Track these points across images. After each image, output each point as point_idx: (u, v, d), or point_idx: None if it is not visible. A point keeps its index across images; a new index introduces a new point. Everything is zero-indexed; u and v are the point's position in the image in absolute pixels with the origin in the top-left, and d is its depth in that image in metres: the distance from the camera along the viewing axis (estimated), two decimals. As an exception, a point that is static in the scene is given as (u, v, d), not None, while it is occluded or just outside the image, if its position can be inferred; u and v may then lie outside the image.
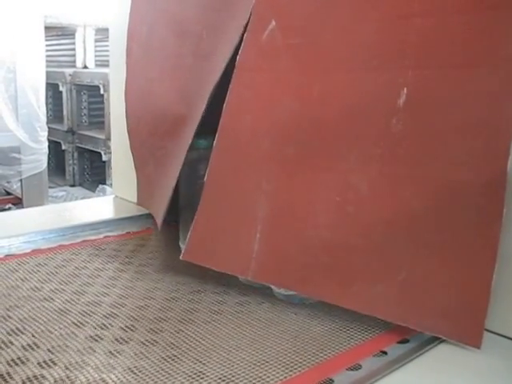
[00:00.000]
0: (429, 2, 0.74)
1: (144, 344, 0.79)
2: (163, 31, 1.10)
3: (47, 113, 3.03)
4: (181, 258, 0.93)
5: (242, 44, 0.87)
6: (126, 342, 0.80)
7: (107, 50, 3.94)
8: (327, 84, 0.82)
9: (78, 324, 0.85)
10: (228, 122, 0.89)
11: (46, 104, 3.01)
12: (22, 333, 0.82)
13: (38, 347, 0.78)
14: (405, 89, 0.75)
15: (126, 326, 0.84)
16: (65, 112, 3.57)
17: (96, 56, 3.74)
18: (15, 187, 3.05)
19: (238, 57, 0.88)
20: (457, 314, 0.74)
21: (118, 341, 0.80)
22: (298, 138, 0.85)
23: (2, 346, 0.78)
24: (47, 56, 3.02)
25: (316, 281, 0.83)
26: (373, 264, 0.80)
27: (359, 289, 0.80)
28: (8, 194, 3.05)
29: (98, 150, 3.32)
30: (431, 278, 0.76)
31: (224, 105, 0.89)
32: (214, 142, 0.90)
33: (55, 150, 3.59)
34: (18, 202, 2.97)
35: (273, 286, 0.91)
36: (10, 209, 2.95)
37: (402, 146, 0.76)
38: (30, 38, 2.85)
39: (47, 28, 3.07)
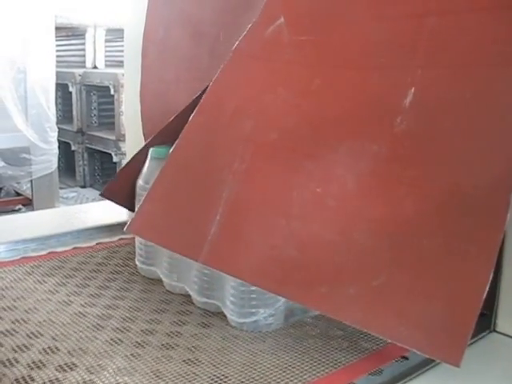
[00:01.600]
0: (442, 1, 0.73)
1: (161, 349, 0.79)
2: (179, 32, 1.10)
3: (57, 113, 3.03)
4: (124, 229, 0.88)
5: (245, 32, 0.85)
6: (143, 346, 0.80)
7: (117, 51, 3.94)
8: (329, 79, 0.80)
9: (97, 327, 0.85)
10: (210, 99, 0.86)
11: (56, 104, 3.01)
12: (42, 335, 0.82)
13: (58, 350, 0.78)
14: (412, 88, 0.73)
15: (142, 330, 0.84)
16: (74, 112, 3.57)
17: (106, 56, 3.74)
18: (25, 188, 3.06)
19: (236, 42, 0.86)
20: (437, 327, 0.66)
21: (136, 346, 0.80)
22: (286, 126, 0.81)
23: (23, 348, 0.78)
24: (57, 56, 3.02)
25: (278, 275, 0.76)
26: (347, 264, 0.72)
27: (328, 290, 0.72)
28: (18, 194, 3.06)
29: (109, 151, 3.32)
30: (412, 286, 0.68)
31: (211, 83, 0.86)
32: (191, 116, 0.87)
33: (65, 150, 3.59)
34: (28, 203, 2.97)
35: (226, 312, 0.86)
36: (19, 210, 2.96)
37: (402, 146, 0.73)
38: (40, 39, 2.85)
39: (57, 28, 3.07)
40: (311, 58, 0.82)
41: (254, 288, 0.82)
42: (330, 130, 0.78)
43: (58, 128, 2.95)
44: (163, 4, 1.14)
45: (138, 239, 1.03)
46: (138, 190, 1.02)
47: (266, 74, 0.85)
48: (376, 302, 0.69)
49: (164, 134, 1.06)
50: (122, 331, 0.83)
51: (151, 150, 1.00)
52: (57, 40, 3.03)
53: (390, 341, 0.70)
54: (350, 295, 0.71)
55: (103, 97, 3.52)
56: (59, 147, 2.97)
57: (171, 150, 0.88)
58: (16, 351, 0.77)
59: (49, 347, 0.78)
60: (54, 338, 0.81)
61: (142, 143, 1.27)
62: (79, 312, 0.89)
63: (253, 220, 0.79)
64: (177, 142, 0.87)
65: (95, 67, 3.70)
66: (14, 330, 0.83)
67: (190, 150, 0.88)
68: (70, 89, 3.54)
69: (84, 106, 3.56)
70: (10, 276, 1.02)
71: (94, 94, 3.59)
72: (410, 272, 0.69)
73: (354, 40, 0.80)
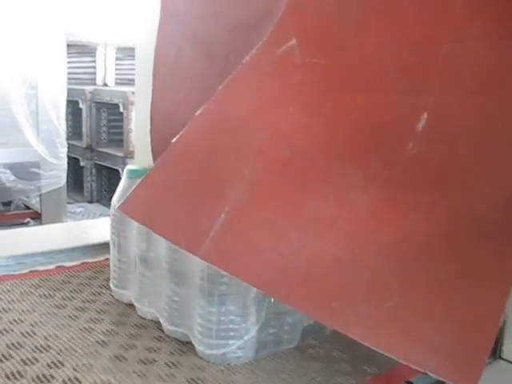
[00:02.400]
0: (455, 27, 0.74)
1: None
2: (191, 53, 1.11)
3: (67, 129, 3.05)
4: (116, 207, 0.89)
5: (254, 50, 0.86)
6: (151, 363, 0.80)
7: (127, 69, 3.97)
8: (340, 102, 0.81)
9: (102, 343, 0.85)
10: (216, 102, 0.87)
11: (66, 121, 3.04)
12: (47, 350, 0.82)
13: (63, 365, 0.78)
14: (425, 113, 0.73)
15: (150, 347, 0.85)
16: (84, 129, 3.60)
17: (116, 74, 3.78)
18: (34, 202, 3.07)
19: (245, 58, 0.86)
20: (453, 350, 0.65)
21: (143, 362, 0.80)
22: (298, 145, 0.81)
23: (28, 362, 0.79)
24: (68, 73, 3.06)
25: (286, 284, 0.75)
26: (358, 283, 0.71)
27: (338, 305, 0.71)
28: (27, 208, 3.07)
29: (116, 168, 3.34)
30: (426, 309, 0.68)
31: (218, 88, 0.87)
32: (196, 113, 0.87)
33: (74, 166, 3.62)
34: (36, 217, 2.99)
35: (195, 343, 0.84)
36: (28, 223, 2.97)
37: (414, 171, 0.73)
38: (51, 55, 2.88)
39: (68, 45, 3.11)
40: (323, 81, 0.83)
41: (222, 318, 0.81)
42: (341, 153, 0.79)
43: (68, 144, 2.97)
44: (175, 24, 1.16)
45: (112, 261, 1.02)
46: (111, 210, 1.01)
47: (277, 91, 0.85)
48: (388, 323, 0.69)
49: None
50: (126, 348, 0.84)
51: (127, 168, 1.00)
52: (68, 57, 3.06)
53: (402, 362, 0.68)
54: (361, 313, 0.70)
55: (112, 114, 3.55)
56: (68, 163, 2.99)
57: (178, 135, 0.86)
58: (26, 364, 0.78)
59: (53, 362, 0.79)
60: (58, 354, 0.82)
61: (151, 161, 1.28)
62: (84, 328, 0.90)
63: (263, 226, 0.79)
64: (180, 134, 0.86)
65: (105, 85, 3.74)
66: (20, 345, 0.84)
67: (194, 145, 0.87)
68: (81, 105, 3.57)
69: (93, 122, 3.59)
70: (18, 289, 1.03)
71: (103, 111, 3.62)
72: (424, 295, 0.69)
73: (366, 64, 0.80)
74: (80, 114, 3.61)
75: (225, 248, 0.78)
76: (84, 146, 3.61)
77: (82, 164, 3.65)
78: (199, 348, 0.83)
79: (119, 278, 1.01)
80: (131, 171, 0.99)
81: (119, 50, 3.73)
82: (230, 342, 0.82)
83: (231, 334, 0.82)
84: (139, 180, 0.87)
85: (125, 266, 0.99)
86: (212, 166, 0.85)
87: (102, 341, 0.86)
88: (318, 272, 0.75)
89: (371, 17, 0.81)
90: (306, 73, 0.84)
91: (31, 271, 1.12)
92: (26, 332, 0.87)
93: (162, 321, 0.90)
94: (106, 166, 3.56)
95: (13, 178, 2.73)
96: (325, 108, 0.81)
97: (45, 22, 2.84)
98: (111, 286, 1.03)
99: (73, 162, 3.50)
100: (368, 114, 0.78)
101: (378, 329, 0.70)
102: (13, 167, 2.73)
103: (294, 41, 0.84)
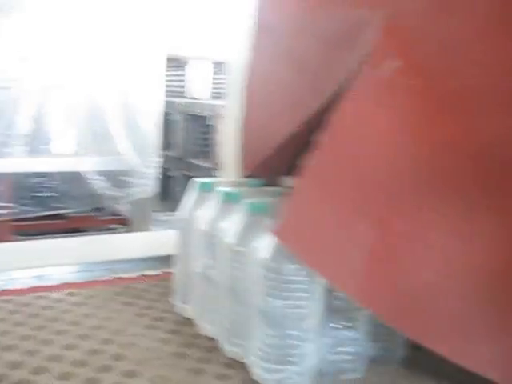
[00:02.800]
0: None
1: None
2: (283, 67, 1.10)
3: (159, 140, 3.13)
4: (271, 233, 0.82)
5: (358, 75, 0.84)
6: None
7: (219, 83, 4.03)
8: (451, 128, 0.78)
9: (178, 355, 0.85)
10: (339, 131, 0.84)
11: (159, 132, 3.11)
12: (123, 359, 0.83)
13: (140, 375, 0.78)
14: None
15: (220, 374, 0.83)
16: (175, 140, 3.68)
17: (214, 88, 3.85)
18: (123, 209, 3.16)
19: (351, 86, 0.84)
20: None
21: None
22: (414, 179, 0.81)
23: (103, 370, 0.79)
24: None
25: (418, 321, 0.77)
26: (491, 320, 0.73)
27: (474, 344, 0.73)
28: (116, 215, 3.16)
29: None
30: None
31: (332, 116, 0.84)
32: (320, 139, 0.83)
33: (163, 175, 3.70)
34: (125, 224, 3.07)
35: (252, 366, 0.81)
36: (116, 229, 3.06)
37: None
38: (150, 67, 2.97)
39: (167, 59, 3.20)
40: (427, 106, 0.80)
41: (281, 342, 0.77)
42: (451, 183, 0.77)
43: (160, 154, 3.04)
44: (267, 38, 1.15)
45: (176, 275, 1.01)
46: (177, 222, 1.00)
47: (387, 121, 0.83)
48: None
49: (263, 166, 1.06)
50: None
51: (247, 203, 0.89)
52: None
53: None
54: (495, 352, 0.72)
55: (203, 126, 3.62)
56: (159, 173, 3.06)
57: (308, 162, 0.83)
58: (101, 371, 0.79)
59: (129, 371, 0.79)
60: (134, 363, 0.82)
61: (239, 173, 1.28)
62: (161, 338, 0.90)
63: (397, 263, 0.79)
64: (314, 157, 0.83)
65: (196, 98, 3.81)
66: (98, 351, 0.84)
67: (329, 170, 0.84)
68: (172, 117, 3.66)
69: (184, 134, 3.66)
70: (101, 295, 1.04)
71: (194, 124, 3.69)
72: None
73: (473, 85, 0.77)
74: (172, 126, 3.70)
75: (367, 285, 0.79)
76: (175, 156, 3.69)
77: (171, 174, 3.73)
78: (255, 371, 0.80)
79: (182, 292, 1.00)
80: (202, 184, 0.99)
81: (217, 64, 3.80)
82: (288, 367, 0.78)
83: (289, 359, 0.78)
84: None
85: (188, 281, 0.97)
86: (350, 195, 0.83)
87: (179, 353, 0.86)
88: (438, 308, 0.76)
89: (476, 42, 0.77)
90: (409, 97, 0.82)
91: (115, 278, 1.14)
92: (105, 339, 0.88)
93: (218, 338, 0.89)
94: (193, 177, 3.61)
95: (105, 185, 2.83)
96: (436, 135, 0.79)
97: (145, 35, 2.93)
98: (174, 299, 1.02)
99: (162, 172, 3.58)
100: (478, 139, 0.76)
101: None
102: (105, 175, 2.82)
103: (394, 61, 0.82)
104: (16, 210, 2.64)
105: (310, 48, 1.05)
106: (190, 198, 0.98)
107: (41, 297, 1.01)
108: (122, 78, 2.86)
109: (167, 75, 3.74)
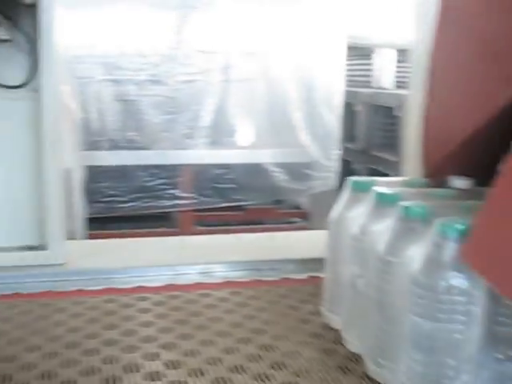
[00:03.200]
0: None
1: None
2: (467, 53, 0.98)
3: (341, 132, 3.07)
4: (458, 255, 0.72)
5: None
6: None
7: (405, 72, 3.85)
8: None
9: (344, 370, 0.78)
10: None
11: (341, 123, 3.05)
12: (282, 368, 0.78)
13: None
14: None
15: None
16: (358, 132, 3.58)
17: (397, 77, 3.68)
18: (303, 202, 3.15)
19: None
20: None
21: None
22: None
23: (260, 379, 0.75)
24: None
25: None
26: None
27: None
28: (296, 208, 3.17)
29: (388, 173, 3.26)
30: None
31: None
32: None
33: (345, 168, 3.64)
34: (304, 217, 3.06)
35: None
36: (296, 222, 3.07)
37: None
38: (330, 57, 2.92)
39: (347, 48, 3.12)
40: None
41: (431, 369, 0.66)
42: None
43: (341, 146, 2.98)
44: (451, 23, 1.02)
45: (325, 282, 0.92)
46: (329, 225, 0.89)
47: None
48: None
49: (445, 165, 0.95)
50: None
51: (402, 206, 0.79)
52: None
53: None
54: None
55: (387, 117, 3.47)
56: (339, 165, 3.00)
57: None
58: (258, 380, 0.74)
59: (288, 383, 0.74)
60: (294, 374, 0.77)
61: (420, 167, 1.17)
62: (325, 349, 0.84)
63: None
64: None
65: (380, 88, 3.67)
66: (257, 358, 0.81)
67: None
68: (355, 108, 3.57)
69: (368, 125, 3.55)
70: (266, 297, 1.01)
71: (378, 115, 3.55)
72: None
73: None
74: (354, 117, 3.61)
75: None
76: (357, 149, 3.60)
77: (353, 167, 3.64)
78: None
79: (331, 301, 0.92)
80: (357, 183, 0.91)
81: (399, 52, 3.63)
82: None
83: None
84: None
85: (336, 289, 0.89)
86: None
87: (345, 366, 0.79)
88: None
89: None
90: None
91: (283, 279, 1.10)
92: (266, 345, 0.84)
93: (365, 359, 0.80)
94: (377, 171, 3.49)
95: (285, 177, 2.83)
96: None
97: (327, 24, 2.88)
98: (323, 308, 0.94)
99: (344, 165, 3.52)
100: None
101: None
102: (285, 167, 2.83)
103: None
104: (197, 201, 2.75)
105: (499, 28, 0.91)
106: (343, 198, 0.90)
107: (206, 294, 1.00)
108: (303, 69, 2.84)
109: (350, 64, 3.66)
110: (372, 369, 0.78)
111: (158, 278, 1.16)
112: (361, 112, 3.62)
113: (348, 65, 3.22)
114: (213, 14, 2.73)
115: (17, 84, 1.51)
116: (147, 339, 0.88)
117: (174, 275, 1.14)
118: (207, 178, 2.78)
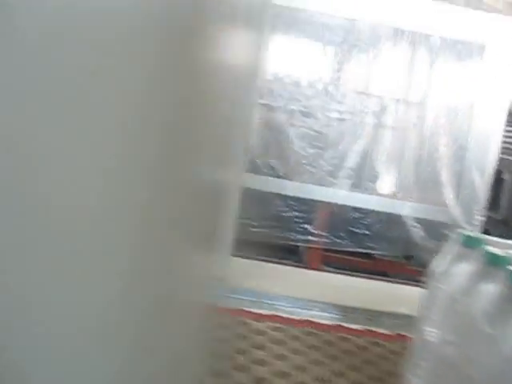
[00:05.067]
0: None
1: None
2: None
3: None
4: None
5: None
6: None
7: None
8: None
9: None
10: None
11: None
12: None
13: None
14: None
15: None
16: (502, 201, 3.39)
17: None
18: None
19: None
20: None
21: None
22: None
23: None
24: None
25: None
26: None
27: None
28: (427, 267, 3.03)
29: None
30: None
31: None
32: None
33: (480, 236, 3.45)
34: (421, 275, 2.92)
35: None
36: (422, 283, 2.93)
37: None
38: (489, 120, 2.79)
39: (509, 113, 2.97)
40: None
41: None
42: None
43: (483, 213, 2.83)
44: None
45: (414, 342, 0.80)
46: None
47: None
48: None
49: None
50: None
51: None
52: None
53: None
54: None
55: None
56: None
57: None
58: None
59: None
60: None
61: None
62: None
63: None
64: None
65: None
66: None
67: None
68: (502, 176, 3.38)
69: (514, 195, 3.36)
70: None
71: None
72: None
73: None
74: (500, 185, 3.43)
75: None
76: (499, 218, 3.40)
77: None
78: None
79: (418, 366, 0.81)
80: (466, 237, 0.82)
81: None
82: None
83: None
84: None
85: (422, 352, 0.77)
86: None
87: None
88: None
89: None
90: None
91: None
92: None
93: None
94: (515, 245, 3.29)
95: (422, 233, 2.72)
96: None
97: (493, 87, 2.76)
98: (407, 373, 0.83)
99: (482, 233, 3.34)
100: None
101: None
102: (424, 223, 2.71)
103: None
104: (329, 241, 2.69)
105: None
106: (449, 251, 0.80)
107: (344, 338, 0.95)
108: (459, 126, 2.74)
109: (506, 131, 3.49)
110: None
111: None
112: (507, 181, 3.43)
113: (507, 131, 3.07)
114: (375, 56, 2.70)
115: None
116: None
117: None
118: (342, 219, 2.73)
